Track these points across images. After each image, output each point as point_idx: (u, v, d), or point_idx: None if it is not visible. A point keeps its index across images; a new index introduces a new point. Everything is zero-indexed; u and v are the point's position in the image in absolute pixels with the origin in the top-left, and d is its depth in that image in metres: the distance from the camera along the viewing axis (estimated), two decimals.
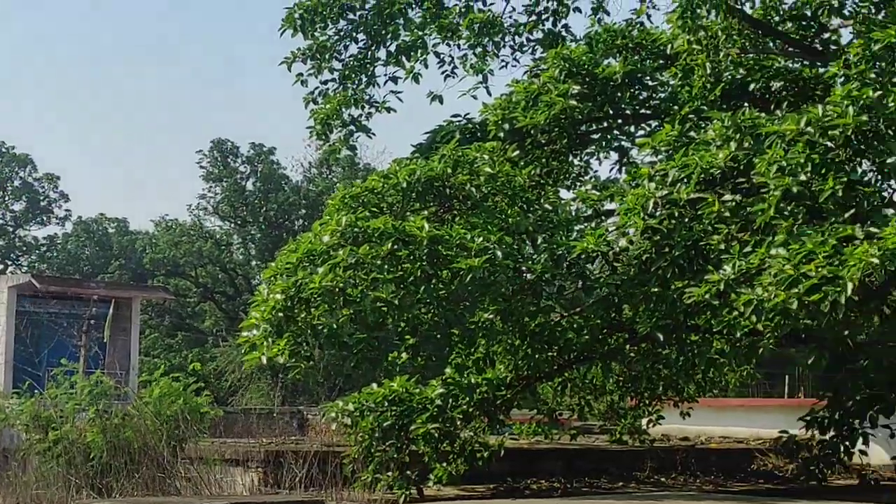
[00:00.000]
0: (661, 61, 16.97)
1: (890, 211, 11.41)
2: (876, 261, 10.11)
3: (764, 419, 20.46)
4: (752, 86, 15.82)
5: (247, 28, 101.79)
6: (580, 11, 18.62)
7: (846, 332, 12.76)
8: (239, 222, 61.85)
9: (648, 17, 17.54)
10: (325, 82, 18.77)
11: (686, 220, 12.50)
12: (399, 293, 12.23)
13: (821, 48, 16.08)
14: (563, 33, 18.70)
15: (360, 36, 18.56)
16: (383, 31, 18.33)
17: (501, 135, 15.57)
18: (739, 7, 15.26)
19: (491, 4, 18.68)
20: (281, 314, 12.22)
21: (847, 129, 11.73)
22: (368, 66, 18.65)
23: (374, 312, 12.14)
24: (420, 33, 18.41)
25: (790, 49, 16.26)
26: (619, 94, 16.45)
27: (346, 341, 13.08)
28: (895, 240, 10.14)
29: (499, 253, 12.18)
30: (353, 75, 18.64)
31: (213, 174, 61.09)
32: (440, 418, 13.78)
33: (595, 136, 17.15)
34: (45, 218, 71.80)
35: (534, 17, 18.67)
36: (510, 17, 18.74)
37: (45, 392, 18.38)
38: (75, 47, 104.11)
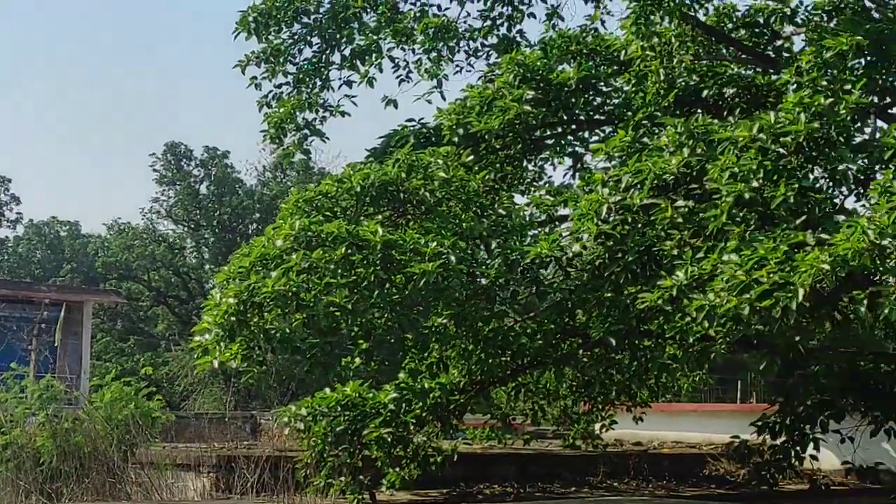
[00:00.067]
0: (615, 67, 17.03)
1: (841, 217, 11.44)
2: (827, 267, 10.15)
3: (716, 424, 20.56)
4: (705, 92, 15.88)
5: (207, 29, 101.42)
6: (535, 17, 18.62)
7: (797, 338, 12.85)
8: (192, 226, 61.58)
9: (602, 23, 17.58)
10: (280, 86, 18.66)
11: (639, 225, 12.52)
12: (352, 298, 12.19)
13: (773, 55, 16.18)
14: (518, 39, 18.69)
15: (315, 40, 18.47)
16: (338, 35, 18.25)
17: (456, 140, 15.55)
18: (693, 14, 15.33)
19: (446, 9, 18.67)
20: (233, 318, 12.15)
21: (799, 135, 11.79)
22: (323, 69, 18.57)
23: (328, 317, 12.09)
24: (375, 37, 18.34)
25: (743, 56, 16.36)
26: (573, 100, 16.47)
27: (299, 346, 13.04)
28: (846, 246, 10.18)
29: (452, 258, 12.17)
30: (308, 79, 18.55)
31: (166, 177, 60.80)
32: (393, 423, 13.77)
33: (549, 142, 17.16)
34: None
35: (488, 23, 18.65)
36: (465, 22, 18.72)
37: None
38: (30, 49, 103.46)
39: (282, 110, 18.37)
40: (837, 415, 15.65)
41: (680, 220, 12.16)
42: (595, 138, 17.01)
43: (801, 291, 10.23)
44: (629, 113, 16.00)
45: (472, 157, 15.18)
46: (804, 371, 15.67)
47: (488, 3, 18.55)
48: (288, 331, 12.34)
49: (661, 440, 20.88)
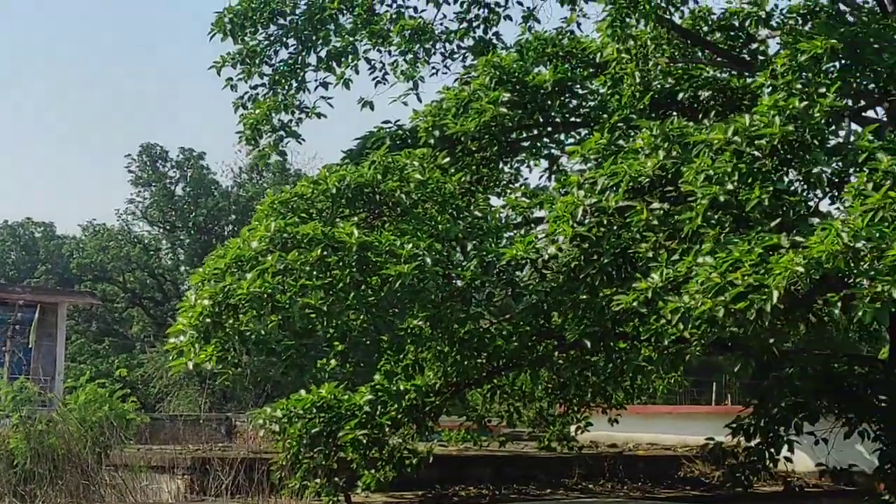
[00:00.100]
0: (590, 70, 17.06)
1: (815, 220, 11.48)
2: (801, 269, 10.18)
3: (691, 426, 20.61)
4: (680, 95, 15.93)
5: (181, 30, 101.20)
6: (511, 19, 18.64)
7: (772, 340, 12.87)
8: (168, 227, 61.41)
9: (578, 25, 17.58)
10: (255, 87, 18.63)
11: (614, 227, 12.54)
12: (328, 299, 12.16)
13: (748, 58, 16.23)
14: (494, 41, 18.71)
15: (291, 41, 18.44)
16: (314, 37, 18.22)
17: (432, 141, 15.55)
18: (669, 17, 15.37)
19: (422, 11, 18.68)
20: (208, 320, 12.10)
21: (774, 138, 11.83)
22: (299, 71, 18.54)
23: (303, 319, 12.06)
24: (351, 39, 18.33)
25: (718, 59, 16.41)
26: (549, 102, 16.50)
27: (275, 348, 13.03)
28: (820, 249, 10.21)
29: (428, 260, 12.15)
30: (284, 80, 18.52)
31: (141, 179, 60.64)
32: (368, 425, 13.76)
33: (525, 144, 17.18)
34: None
35: (465, 25, 18.66)
36: (441, 24, 18.73)
37: None
38: (30, 49, 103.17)
39: (257, 112, 18.34)
40: (811, 417, 15.68)
41: (655, 222, 12.18)
42: (571, 141, 17.04)
43: (775, 294, 10.26)
44: (605, 115, 16.03)
45: (448, 159, 15.18)
46: (778, 373, 15.70)
47: (464, 6, 18.58)
48: (263, 332, 12.32)
49: (637, 442, 20.91)
